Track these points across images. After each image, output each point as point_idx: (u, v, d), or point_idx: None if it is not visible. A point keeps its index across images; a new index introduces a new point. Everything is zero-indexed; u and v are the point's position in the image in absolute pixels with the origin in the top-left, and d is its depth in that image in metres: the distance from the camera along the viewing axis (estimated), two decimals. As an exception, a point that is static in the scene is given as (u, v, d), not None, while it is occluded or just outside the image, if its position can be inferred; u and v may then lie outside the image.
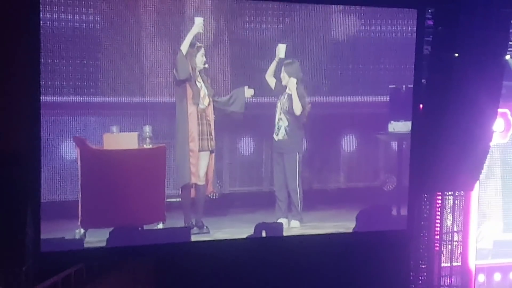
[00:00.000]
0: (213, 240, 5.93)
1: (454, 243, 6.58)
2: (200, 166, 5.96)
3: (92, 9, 5.48)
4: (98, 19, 5.52)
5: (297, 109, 6.16)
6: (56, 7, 5.36)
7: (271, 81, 6.12)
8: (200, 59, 5.86)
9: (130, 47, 5.60)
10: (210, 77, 5.95)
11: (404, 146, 6.45)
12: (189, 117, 5.88)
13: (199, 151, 5.93)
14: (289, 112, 6.18)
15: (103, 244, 5.60)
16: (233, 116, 6.02)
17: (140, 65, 5.66)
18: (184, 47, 5.78)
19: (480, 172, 6.33)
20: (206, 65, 5.90)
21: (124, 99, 5.64)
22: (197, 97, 5.88)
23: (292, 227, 6.25)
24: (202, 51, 5.86)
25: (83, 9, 5.46)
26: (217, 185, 6.11)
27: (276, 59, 6.07)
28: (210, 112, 5.96)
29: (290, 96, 6.19)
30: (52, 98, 5.38)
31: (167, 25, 5.72)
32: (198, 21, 5.78)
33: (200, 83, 5.89)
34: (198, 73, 5.88)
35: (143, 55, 5.65)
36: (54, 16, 5.36)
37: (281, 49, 6.04)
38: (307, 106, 6.21)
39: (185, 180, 5.91)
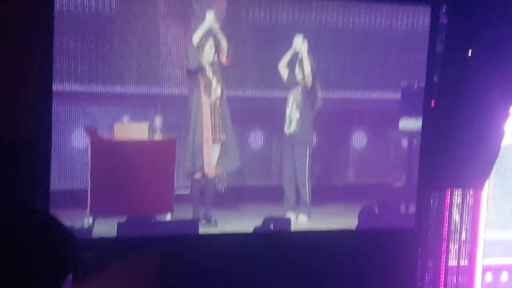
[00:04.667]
0: (221, 234, 5.93)
1: (462, 242, 6.56)
2: (212, 158, 5.95)
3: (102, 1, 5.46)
4: (107, 12, 5.50)
5: (308, 70, 6.05)
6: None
7: (284, 72, 6.02)
8: (208, 52, 5.82)
9: (144, 37, 5.58)
10: (223, 69, 5.92)
11: (414, 143, 6.43)
12: (203, 107, 5.85)
13: (212, 143, 5.92)
14: (303, 105, 6.13)
15: (111, 235, 5.59)
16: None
17: (155, 56, 5.63)
18: (195, 39, 5.76)
19: (490, 171, 6.30)
20: (216, 58, 5.85)
21: (136, 89, 5.63)
22: (209, 88, 5.86)
23: (300, 222, 6.24)
24: (210, 43, 5.81)
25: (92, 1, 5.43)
26: (226, 178, 6.09)
27: (292, 50, 5.99)
28: (221, 105, 5.93)
29: (304, 89, 6.13)
30: (64, 87, 5.37)
31: (181, 16, 5.70)
32: (209, 15, 5.73)
33: (210, 74, 5.85)
34: (209, 65, 5.85)
35: (157, 46, 5.63)
36: (64, 8, 5.33)
37: (298, 40, 5.97)
38: (319, 102, 6.17)
39: (199, 168, 5.90)
